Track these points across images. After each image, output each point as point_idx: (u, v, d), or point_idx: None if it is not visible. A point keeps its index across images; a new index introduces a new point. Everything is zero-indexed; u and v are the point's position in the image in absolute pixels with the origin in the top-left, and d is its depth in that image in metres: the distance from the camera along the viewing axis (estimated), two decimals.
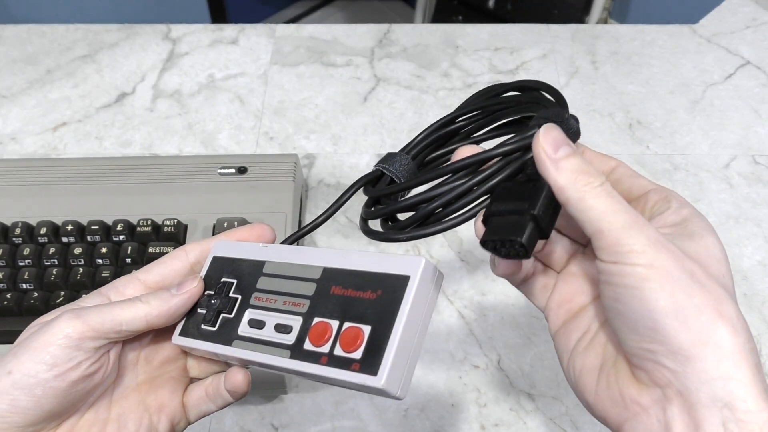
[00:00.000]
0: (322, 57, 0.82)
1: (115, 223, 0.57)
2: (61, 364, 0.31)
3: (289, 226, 0.58)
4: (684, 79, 0.79)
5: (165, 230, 0.57)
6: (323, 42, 0.83)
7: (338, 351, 0.29)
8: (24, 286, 0.54)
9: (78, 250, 0.55)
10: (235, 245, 0.36)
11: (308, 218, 0.66)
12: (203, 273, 0.36)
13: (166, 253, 0.54)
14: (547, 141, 0.29)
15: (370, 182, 0.38)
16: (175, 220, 0.57)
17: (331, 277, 0.31)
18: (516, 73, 0.79)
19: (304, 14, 2.21)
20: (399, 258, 0.29)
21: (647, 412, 0.27)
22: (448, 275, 0.61)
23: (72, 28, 0.85)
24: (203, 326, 0.34)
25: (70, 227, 0.57)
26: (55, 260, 0.55)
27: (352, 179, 0.69)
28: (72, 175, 0.61)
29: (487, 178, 0.31)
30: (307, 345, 0.30)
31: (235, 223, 0.57)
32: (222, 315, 0.34)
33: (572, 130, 0.32)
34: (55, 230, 0.57)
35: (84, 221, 0.57)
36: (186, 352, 0.37)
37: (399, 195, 0.35)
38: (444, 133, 0.37)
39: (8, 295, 0.53)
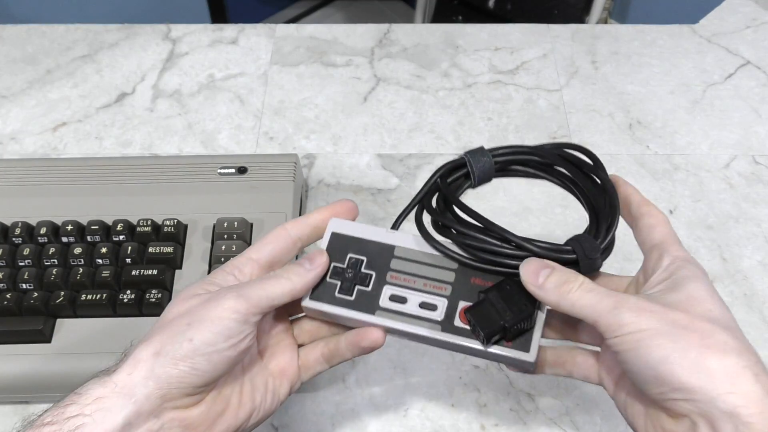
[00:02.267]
0: (322, 57, 0.82)
1: (115, 223, 0.57)
2: (235, 336, 0.36)
3: None
4: (684, 79, 0.79)
5: (165, 230, 0.57)
6: (323, 42, 0.83)
7: None
8: (24, 286, 0.54)
9: (78, 250, 0.55)
10: (353, 225, 0.41)
11: None
12: (325, 246, 0.41)
13: (167, 252, 0.54)
14: (527, 274, 0.36)
15: (450, 171, 0.43)
16: (175, 220, 0.57)
17: (468, 268, 0.39)
18: (516, 73, 0.79)
19: (304, 14, 2.21)
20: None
21: None
22: None
23: (72, 28, 0.85)
24: (339, 295, 0.39)
25: (70, 227, 0.56)
26: (55, 260, 0.55)
27: (352, 179, 0.69)
28: (72, 175, 0.61)
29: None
30: (457, 322, 0.38)
31: (235, 223, 0.57)
32: (357, 287, 0.40)
33: (594, 267, 0.38)
34: (55, 230, 0.57)
35: (84, 221, 0.57)
36: (292, 322, 0.43)
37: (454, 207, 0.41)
38: (523, 159, 0.43)
39: (8, 295, 0.53)
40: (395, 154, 0.72)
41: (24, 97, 0.78)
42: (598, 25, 0.90)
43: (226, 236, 0.56)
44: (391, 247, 0.40)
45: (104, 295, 0.53)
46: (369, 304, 0.39)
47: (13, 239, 0.56)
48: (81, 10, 1.57)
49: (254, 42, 0.83)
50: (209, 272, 0.55)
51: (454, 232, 0.40)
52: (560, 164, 0.42)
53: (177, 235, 0.57)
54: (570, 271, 0.36)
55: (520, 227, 0.65)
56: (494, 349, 0.37)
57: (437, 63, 0.81)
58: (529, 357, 0.37)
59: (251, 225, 0.58)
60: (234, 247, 0.56)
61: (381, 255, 0.40)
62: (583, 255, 0.38)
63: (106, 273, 0.54)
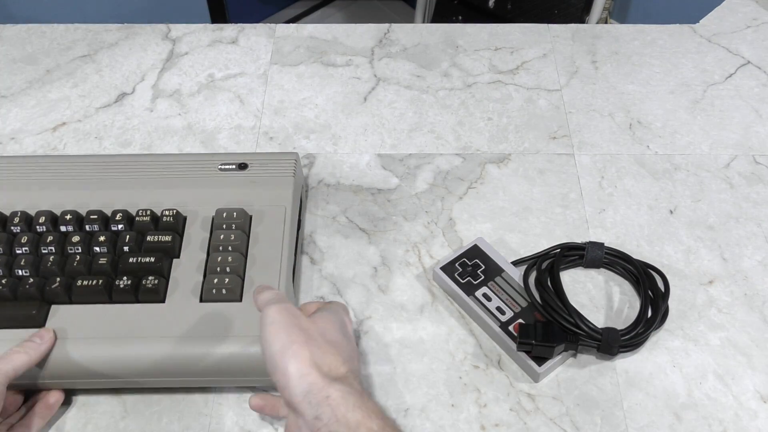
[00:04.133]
0: (322, 57, 0.82)
1: (114, 213, 0.57)
2: None
3: (288, 219, 0.58)
4: (684, 79, 0.79)
5: (164, 220, 0.57)
6: (323, 42, 0.83)
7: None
8: (20, 272, 0.54)
9: (76, 239, 0.55)
10: (490, 248, 0.61)
11: (308, 218, 0.66)
12: (464, 251, 0.61)
13: (165, 242, 0.56)
14: (256, 290, 0.49)
15: (570, 248, 0.61)
16: (174, 211, 0.57)
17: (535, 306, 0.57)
18: (516, 73, 0.79)
19: (304, 14, 2.20)
20: None
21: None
22: None
23: (72, 28, 0.85)
24: (456, 275, 0.59)
25: (68, 216, 0.57)
26: (53, 248, 0.55)
27: (352, 179, 0.69)
28: (74, 171, 0.61)
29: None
30: (510, 328, 0.56)
31: (234, 213, 0.57)
32: (469, 278, 0.59)
33: (610, 353, 0.55)
34: (54, 220, 0.57)
35: (83, 212, 0.57)
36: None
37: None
38: (622, 264, 0.61)
39: (3, 281, 0.53)
40: (395, 154, 0.71)
41: (24, 97, 0.78)
42: (598, 25, 0.89)
43: (225, 226, 0.57)
44: (502, 270, 0.60)
45: (100, 281, 0.53)
46: (470, 289, 0.58)
47: (12, 228, 0.56)
48: (81, 10, 1.57)
49: (254, 42, 0.83)
50: (207, 261, 0.55)
51: (542, 288, 0.58)
52: (643, 277, 0.59)
53: (176, 225, 0.57)
54: (272, 290, 0.48)
55: (520, 227, 0.65)
56: (521, 354, 0.54)
57: (437, 63, 0.81)
58: (539, 370, 0.54)
59: (250, 217, 0.58)
60: (233, 236, 0.56)
61: (494, 270, 0.60)
62: (606, 341, 0.54)
63: (103, 260, 0.54)
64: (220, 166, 0.61)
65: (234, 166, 0.61)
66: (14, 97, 0.78)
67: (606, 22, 1.70)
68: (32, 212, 0.57)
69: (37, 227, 0.56)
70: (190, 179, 0.61)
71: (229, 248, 0.55)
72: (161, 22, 0.86)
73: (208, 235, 0.57)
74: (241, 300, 0.53)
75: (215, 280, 0.53)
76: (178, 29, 0.85)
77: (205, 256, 0.56)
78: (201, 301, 0.54)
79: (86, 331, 0.52)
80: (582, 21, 1.56)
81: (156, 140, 0.73)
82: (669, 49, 0.82)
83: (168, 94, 0.78)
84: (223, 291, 0.53)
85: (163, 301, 0.54)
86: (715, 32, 0.84)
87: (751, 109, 0.75)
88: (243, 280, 0.54)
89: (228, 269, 0.54)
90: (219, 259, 0.55)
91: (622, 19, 1.77)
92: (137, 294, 0.53)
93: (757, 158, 0.71)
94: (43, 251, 0.55)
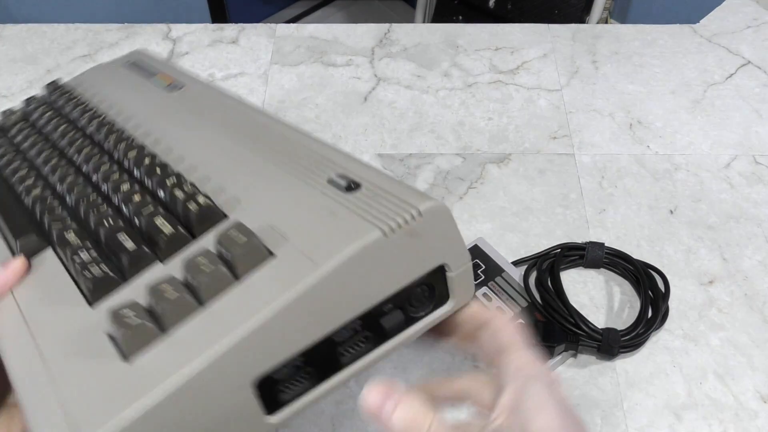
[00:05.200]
0: (323, 57, 0.82)
1: (163, 166, 0.41)
2: None
3: (309, 283, 0.32)
4: (685, 79, 0.79)
5: (181, 204, 0.37)
6: (323, 42, 0.83)
7: None
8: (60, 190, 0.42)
9: (126, 187, 0.40)
10: (490, 247, 0.62)
11: None
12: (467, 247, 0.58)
13: (163, 232, 0.35)
14: (370, 398, 0.34)
15: (570, 248, 0.62)
16: (209, 202, 0.37)
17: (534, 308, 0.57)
18: (516, 73, 0.79)
19: (304, 14, 2.21)
20: None
21: None
22: None
23: (72, 28, 0.85)
24: None
25: (133, 153, 0.42)
26: (100, 178, 0.42)
27: None
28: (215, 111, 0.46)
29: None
30: None
31: (242, 237, 0.34)
32: None
33: (610, 353, 0.55)
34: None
35: (164, 155, 0.42)
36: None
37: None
38: (622, 264, 0.62)
39: (36, 191, 0.42)
40: (395, 154, 0.71)
41: (24, 97, 0.78)
42: (598, 25, 0.90)
43: (218, 250, 0.33)
44: (502, 270, 0.60)
45: (79, 242, 0.37)
46: None
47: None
48: (81, 10, 1.58)
49: (254, 42, 0.83)
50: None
51: (542, 289, 0.58)
52: (643, 277, 0.59)
53: (196, 220, 0.36)
54: (420, 410, 0.32)
55: (520, 227, 0.65)
56: None
57: (437, 63, 0.81)
58: None
59: (267, 253, 0.33)
60: (209, 269, 0.32)
61: (494, 270, 0.60)
62: (606, 342, 0.54)
63: (107, 222, 0.37)
64: (331, 176, 0.37)
65: (344, 183, 0.36)
66: (14, 97, 0.78)
67: (606, 22, 1.70)
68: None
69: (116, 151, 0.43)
70: (287, 181, 0.38)
71: (193, 283, 0.33)
72: (162, 22, 0.86)
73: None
74: (127, 360, 0.30)
75: (133, 314, 0.32)
76: (178, 29, 0.85)
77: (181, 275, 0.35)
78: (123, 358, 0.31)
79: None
80: (582, 21, 1.56)
81: None
82: (669, 49, 0.82)
83: None
84: (130, 332, 0.31)
85: (90, 304, 0.34)
86: (715, 32, 0.84)
87: (751, 109, 0.75)
88: (163, 333, 0.31)
89: (161, 311, 0.32)
90: (168, 289, 0.33)
91: (623, 19, 1.77)
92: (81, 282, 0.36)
93: (757, 158, 0.71)
94: (94, 179, 0.42)
